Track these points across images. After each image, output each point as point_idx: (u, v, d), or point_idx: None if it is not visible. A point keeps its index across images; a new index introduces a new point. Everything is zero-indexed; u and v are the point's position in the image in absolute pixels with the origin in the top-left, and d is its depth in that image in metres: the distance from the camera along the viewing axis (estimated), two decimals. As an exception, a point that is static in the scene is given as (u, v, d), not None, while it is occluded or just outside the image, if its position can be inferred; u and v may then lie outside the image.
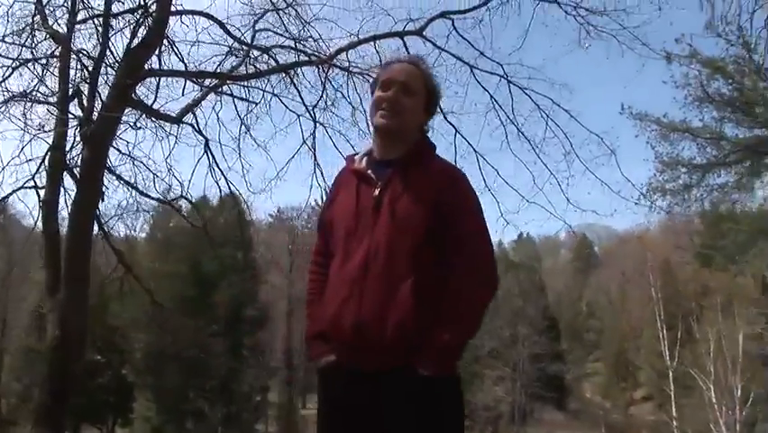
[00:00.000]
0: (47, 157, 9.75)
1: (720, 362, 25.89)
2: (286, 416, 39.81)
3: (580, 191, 11.93)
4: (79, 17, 9.85)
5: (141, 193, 11.58)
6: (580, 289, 58.04)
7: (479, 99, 11.85)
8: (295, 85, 11.89)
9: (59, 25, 9.84)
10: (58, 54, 9.73)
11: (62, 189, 9.79)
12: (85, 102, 9.53)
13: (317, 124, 12.07)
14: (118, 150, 10.81)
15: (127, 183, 11.19)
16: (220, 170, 12.18)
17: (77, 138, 9.69)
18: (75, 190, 9.39)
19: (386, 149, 2.51)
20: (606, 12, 10.47)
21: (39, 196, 9.82)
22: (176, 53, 11.30)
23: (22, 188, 9.99)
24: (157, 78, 11.22)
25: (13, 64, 9.55)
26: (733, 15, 9.09)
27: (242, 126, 12.05)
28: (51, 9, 9.79)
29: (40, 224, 9.56)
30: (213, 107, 11.94)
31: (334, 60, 11.60)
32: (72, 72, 9.77)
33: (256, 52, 11.81)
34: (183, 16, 11.22)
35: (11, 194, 10.34)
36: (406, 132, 2.49)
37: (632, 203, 14.26)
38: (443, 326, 2.24)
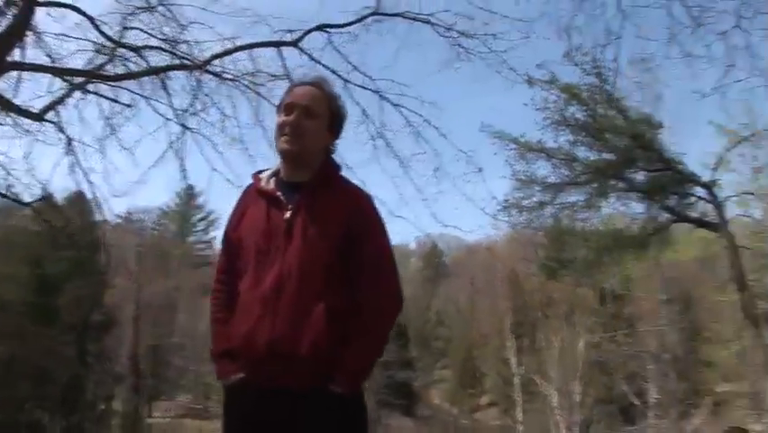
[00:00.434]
0: None
1: (562, 368, 27.29)
2: (131, 425, 38.19)
3: (445, 206, 12.40)
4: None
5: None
6: (429, 297, 59.41)
7: (350, 112, 12.03)
8: (165, 88, 11.64)
9: None
10: None
11: None
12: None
13: (185, 129, 11.88)
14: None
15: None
16: (83, 170, 11.74)
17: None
18: None
19: (292, 171, 2.56)
20: (476, 35, 11.00)
21: None
22: (41, 47, 10.80)
23: None
24: (19, 72, 10.69)
25: None
26: (588, 47, 9.81)
27: (108, 127, 11.65)
28: None
29: None
30: (76, 106, 11.45)
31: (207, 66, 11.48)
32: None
33: (126, 52, 11.46)
34: (51, 8, 10.79)
35: None
36: (310, 154, 2.55)
37: (496, 219, 15.05)
38: (354, 347, 2.37)
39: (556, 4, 7.85)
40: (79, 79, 11.22)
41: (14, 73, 10.57)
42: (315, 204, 2.46)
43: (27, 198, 12.24)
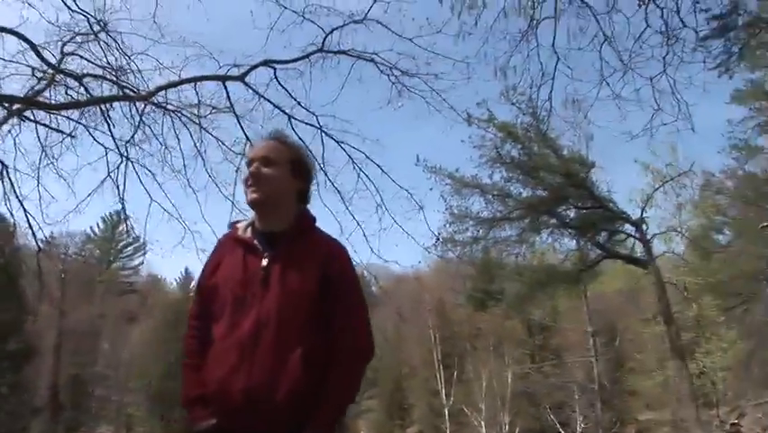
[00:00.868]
0: None
1: (490, 399, 27.57)
2: (48, 460, 36.75)
3: (385, 241, 12.48)
4: None
5: None
6: (357, 326, 59.17)
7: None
8: (107, 118, 11.45)
9: None
10: None
11: None
12: None
13: (124, 159, 11.70)
14: None
15: None
16: (18, 198, 11.42)
17: None
18: None
19: (266, 221, 2.59)
20: (418, 74, 11.17)
21: None
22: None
23: None
24: (-50, 96, 10.37)
25: None
26: (524, 87, 10.10)
27: (45, 156, 11.37)
28: None
29: None
30: (9, 132, 11.14)
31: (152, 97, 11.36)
32: None
33: (67, 79, 11.25)
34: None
35: None
36: (277, 200, 2.59)
37: (430, 252, 15.24)
38: (327, 397, 2.41)
39: (494, 44, 8.09)
40: (17, 106, 10.94)
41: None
42: (291, 253, 2.51)
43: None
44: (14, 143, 11.07)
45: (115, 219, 52.17)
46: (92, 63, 11.12)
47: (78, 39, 11.08)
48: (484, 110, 14.96)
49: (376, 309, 59.54)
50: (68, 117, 11.35)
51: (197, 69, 11.61)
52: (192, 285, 59.91)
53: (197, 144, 11.52)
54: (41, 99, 11.00)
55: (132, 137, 11.45)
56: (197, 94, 11.46)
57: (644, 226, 15.70)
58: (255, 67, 11.46)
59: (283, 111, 11.54)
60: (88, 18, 10.79)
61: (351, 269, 2.65)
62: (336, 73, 11.55)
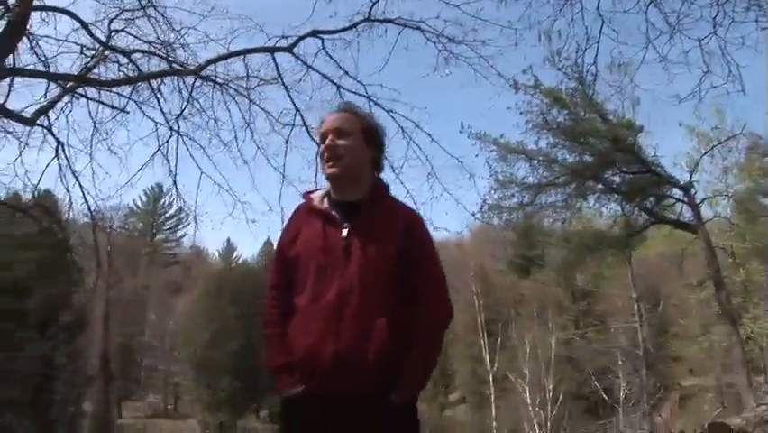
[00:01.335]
0: None
1: (534, 365, 27.69)
2: (101, 426, 37.79)
3: (435, 209, 12.54)
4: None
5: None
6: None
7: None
8: (157, 93, 11.64)
9: None
10: None
11: None
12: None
13: (174, 133, 11.90)
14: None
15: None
16: (74, 175, 11.73)
17: None
18: None
19: (343, 191, 2.67)
20: (464, 41, 11.12)
21: None
22: (35, 52, 10.74)
23: None
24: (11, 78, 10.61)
25: None
26: (568, 51, 9.98)
27: (96, 132, 11.61)
28: None
29: None
30: (62, 109, 11.40)
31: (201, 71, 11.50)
32: None
33: (117, 56, 11.42)
34: (43, 12, 10.71)
35: None
36: (355, 171, 2.67)
37: (477, 219, 15.28)
38: (412, 359, 2.53)
39: (537, 8, 8.02)
40: (70, 84, 11.17)
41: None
42: (370, 222, 2.60)
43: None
44: (67, 121, 11.35)
45: (157, 192, 53.05)
46: (140, 39, 11.28)
47: (126, 15, 11.23)
48: (530, 76, 14.85)
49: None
50: (119, 94, 11.58)
51: (245, 42, 11.73)
52: (234, 256, 60.82)
53: (246, 116, 11.68)
54: (92, 77, 11.21)
55: (182, 111, 11.67)
56: (246, 66, 11.59)
57: (692, 191, 15.53)
58: (303, 38, 11.53)
59: (332, 81, 11.64)
60: (135, -6, 10.94)
61: (428, 237, 2.75)
62: (383, 42, 11.57)
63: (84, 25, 10.96)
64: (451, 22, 10.96)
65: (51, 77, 10.63)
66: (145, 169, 11.97)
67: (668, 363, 30.70)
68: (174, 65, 11.52)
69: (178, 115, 11.72)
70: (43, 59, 10.72)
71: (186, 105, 11.58)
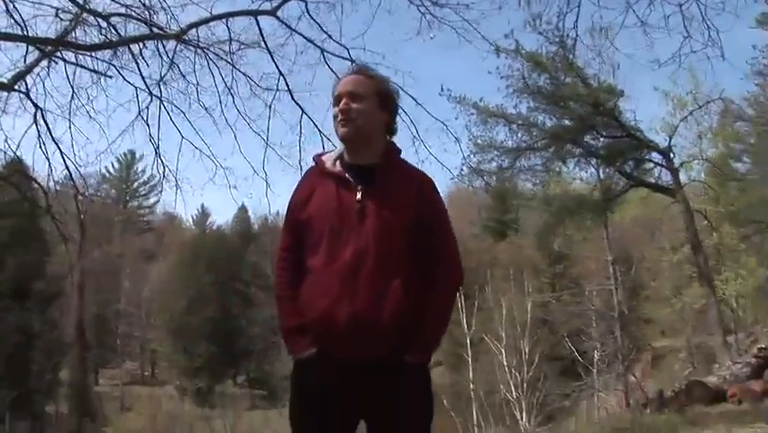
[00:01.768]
0: None
1: (510, 328, 27.92)
2: (79, 394, 37.75)
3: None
4: None
5: None
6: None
7: (327, 82, 12.17)
8: (136, 59, 11.45)
9: None
10: None
11: None
12: None
13: (155, 98, 11.76)
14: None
15: None
16: (54, 141, 11.56)
17: None
18: None
19: (356, 154, 2.66)
20: (448, 4, 11.05)
21: None
22: (11, 15, 10.48)
23: None
24: (-16, 42, 10.37)
25: None
26: (549, 15, 9.97)
27: (75, 98, 11.41)
28: None
29: None
30: (38, 74, 11.18)
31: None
32: None
33: (96, 19, 11.19)
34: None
35: None
36: (368, 134, 2.66)
37: (457, 182, 15.34)
38: (426, 320, 2.56)
39: None
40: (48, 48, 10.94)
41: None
42: (384, 185, 2.60)
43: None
44: (44, 86, 11.14)
45: (130, 159, 52.45)
46: (117, 2, 10.99)
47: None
48: (512, 41, 14.86)
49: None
50: (97, 58, 11.36)
51: (228, 6, 11.57)
52: (209, 222, 60.51)
53: (227, 81, 11.58)
54: (70, 40, 10.99)
55: (163, 77, 11.50)
56: (229, 30, 11.45)
57: (671, 155, 15.74)
58: (287, 0, 11.41)
59: (315, 44, 11.53)
60: (112, -47, 10.70)
61: (441, 200, 2.77)
62: (367, 5, 11.48)
63: (60, -14, 10.72)
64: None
65: (29, 40, 10.36)
66: (125, 134, 11.87)
67: (639, 324, 31.25)
68: (153, 29, 11.33)
69: (159, 80, 11.55)
70: (21, 22, 10.47)
71: (168, 71, 11.42)
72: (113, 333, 49.97)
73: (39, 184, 12.60)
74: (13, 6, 10.44)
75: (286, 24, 11.42)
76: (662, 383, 23.43)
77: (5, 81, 10.66)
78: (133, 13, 11.23)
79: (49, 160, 11.91)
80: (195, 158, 11.95)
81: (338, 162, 2.69)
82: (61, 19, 10.98)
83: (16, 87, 10.87)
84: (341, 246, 2.51)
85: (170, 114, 11.70)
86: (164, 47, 11.43)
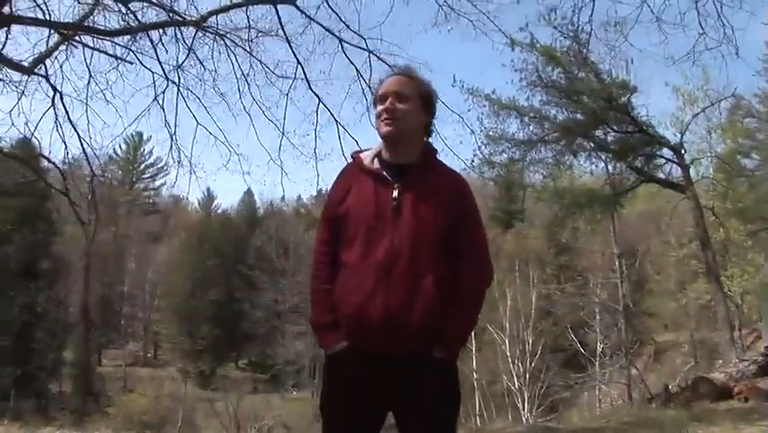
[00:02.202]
0: None
1: (514, 318, 28.05)
2: (82, 374, 37.96)
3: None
4: None
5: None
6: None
7: (343, 71, 12.25)
8: (154, 45, 11.52)
9: None
10: None
11: None
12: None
13: (171, 84, 11.83)
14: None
15: None
16: (72, 124, 11.66)
17: None
18: None
19: (396, 153, 2.75)
20: (465, -5, 11.08)
21: None
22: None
23: None
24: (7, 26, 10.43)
25: None
26: (565, 9, 9.98)
27: (91, 81, 11.50)
28: None
29: None
30: (56, 58, 11.27)
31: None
32: None
33: (116, 4, 11.23)
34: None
35: None
36: (409, 134, 2.75)
37: (469, 173, 15.39)
38: (455, 317, 2.64)
39: None
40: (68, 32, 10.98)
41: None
42: (421, 185, 2.68)
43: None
44: (61, 70, 11.22)
45: (137, 141, 52.47)
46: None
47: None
48: (527, 34, 14.85)
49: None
50: (116, 44, 11.44)
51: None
52: (214, 205, 60.54)
53: (244, 69, 11.65)
54: (89, 25, 11.05)
55: (182, 63, 11.58)
56: (248, 17, 11.51)
57: (682, 151, 15.76)
58: (306, -11, 11.44)
59: (333, 34, 11.62)
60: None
61: (474, 202, 2.85)
62: (385, -3, 11.54)
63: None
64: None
65: (51, 24, 10.45)
66: (140, 119, 12.00)
67: (643, 318, 31.37)
68: (173, 15, 11.38)
69: (177, 67, 11.64)
70: (42, 6, 10.52)
71: (187, 57, 11.49)
72: (117, 314, 50.18)
73: (58, 168, 12.70)
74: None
75: (304, 13, 11.53)
76: (665, 377, 23.60)
77: (26, 65, 10.77)
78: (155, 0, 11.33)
79: (65, 143, 12.08)
80: (209, 144, 12.07)
81: (376, 160, 2.77)
82: (79, 2, 11.09)
83: (36, 70, 10.98)
84: (376, 242, 2.59)
85: (186, 100, 11.81)
86: (182, 34, 11.52)
